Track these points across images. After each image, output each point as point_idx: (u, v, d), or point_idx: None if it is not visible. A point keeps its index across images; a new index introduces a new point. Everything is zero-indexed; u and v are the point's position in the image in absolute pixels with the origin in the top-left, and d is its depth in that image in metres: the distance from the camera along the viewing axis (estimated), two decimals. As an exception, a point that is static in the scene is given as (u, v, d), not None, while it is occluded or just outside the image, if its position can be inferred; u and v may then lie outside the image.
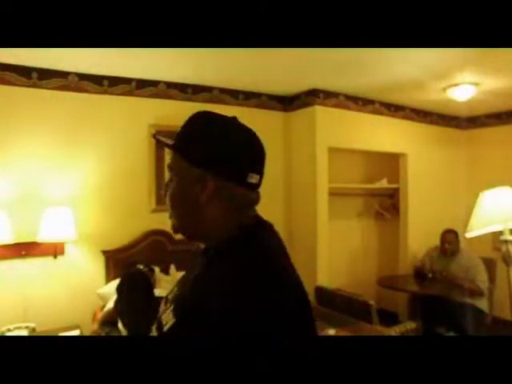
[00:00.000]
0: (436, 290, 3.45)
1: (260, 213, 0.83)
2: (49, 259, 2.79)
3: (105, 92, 3.02)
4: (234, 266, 0.69)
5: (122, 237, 3.04)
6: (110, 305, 2.46)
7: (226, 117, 0.78)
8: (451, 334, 3.33)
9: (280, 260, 0.74)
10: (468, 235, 2.36)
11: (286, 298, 0.67)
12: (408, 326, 3.01)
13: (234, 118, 0.78)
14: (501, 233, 2.18)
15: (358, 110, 3.85)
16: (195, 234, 0.81)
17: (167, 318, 0.73)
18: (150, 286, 1.10)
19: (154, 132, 3.14)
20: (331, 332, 2.41)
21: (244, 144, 0.75)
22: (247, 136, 0.77)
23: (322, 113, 3.59)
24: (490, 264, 3.67)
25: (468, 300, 3.35)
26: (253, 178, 0.74)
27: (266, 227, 0.80)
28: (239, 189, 0.74)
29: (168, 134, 3.92)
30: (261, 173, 0.76)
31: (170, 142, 0.79)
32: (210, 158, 0.73)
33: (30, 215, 2.71)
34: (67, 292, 2.82)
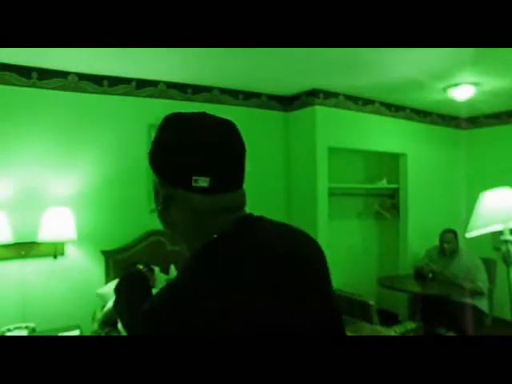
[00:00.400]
0: (436, 290, 3.45)
1: (260, 213, 0.81)
2: (49, 259, 2.79)
3: (105, 92, 3.02)
4: (174, 281, 0.69)
5: (121, 237, 3.04)
6: (110, 305, 2.46)
7: (186, 115, 0.73)
8: (451, 334, 3.33)
9: (227, 284, 0.65)
10: (468, 235, 2.36)
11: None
12: (408, 326, 3.01)
13: (200, 114, 0.73)
14: (501, 233, 2.18)
15: (358, 110, 3.86)
16: (177, 241, 0.79)
17: None
18: (149, 286, 1.11)
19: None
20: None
21: (188, 145, 0.68)
22: (197, 135, 0.69)
23: (322, 113, 3.59)
24: (489, 264, 3.67)
25: (468, 300, 3.35)
26: (199, 182, 0.67)
27: (244, 233, 0.72)
28: (188, 195, 0.68)
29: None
30: (214, 175, 0.68)
31: None
32: (156, 164, 0.72)
33: (30, 215, 2.71)
34: (67, 292, 2.83)
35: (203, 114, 0.73)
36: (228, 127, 0.73)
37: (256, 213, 0.79)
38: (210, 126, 0.71)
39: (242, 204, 0.75)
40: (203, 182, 0.67)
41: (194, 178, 0.67)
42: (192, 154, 0.68)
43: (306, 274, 0.75)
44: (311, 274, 0.77)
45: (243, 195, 0.75)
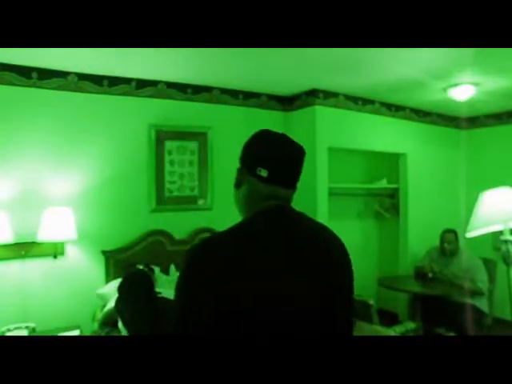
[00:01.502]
0: (436, 290, 3.45)
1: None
2: (49, 259, 2.79)
3: (105, 92, 3.02)
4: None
5: (121, 237, 3.04)
6: (110, 305, 2.46)
7: (270, 131, 1.01)
8: (451, 334, 3.33)
9: (237, 251, 0.84)
10: (468, 235, 2.36)
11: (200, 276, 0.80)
12: (408, 326, 3.01)
13: (281, 134, 1.01)
14: (501, 233, 2.18)
15: (358, 110, 3.85)
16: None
17: None
18: (151, 285, 1.11)
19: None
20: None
21: (262, 148, 0.97)
22: (270, 144, 0.97)
23: (321, 113, 3.59)
24: (490, 264, 3.67)
25: (468, 300, 3.35)
26: (261, 172, 0.92)
27: (275, 213, 0.93)
28: (253, 179, 0.94)
29: (168, 133, 3.86)
30: (272, 171, 0.92)
31: None
32: (241, 156, 1.00)
33: (30, 215, 2.71)
34: (67, 292, 2.82)
35: (282, 135, 1.01)
36: (294, 148, 1.00)
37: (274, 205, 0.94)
38: (281, 143, 0.99)
39: (288, 199, 0.98)
40: (264, 172, 0.92)
41: (259, 168, 0.93)
42: (262, 154, 0.96)
43: (319, 265, 0.89)
44: (324, 268, 0.90)
45: (291, 193, 0.98)
